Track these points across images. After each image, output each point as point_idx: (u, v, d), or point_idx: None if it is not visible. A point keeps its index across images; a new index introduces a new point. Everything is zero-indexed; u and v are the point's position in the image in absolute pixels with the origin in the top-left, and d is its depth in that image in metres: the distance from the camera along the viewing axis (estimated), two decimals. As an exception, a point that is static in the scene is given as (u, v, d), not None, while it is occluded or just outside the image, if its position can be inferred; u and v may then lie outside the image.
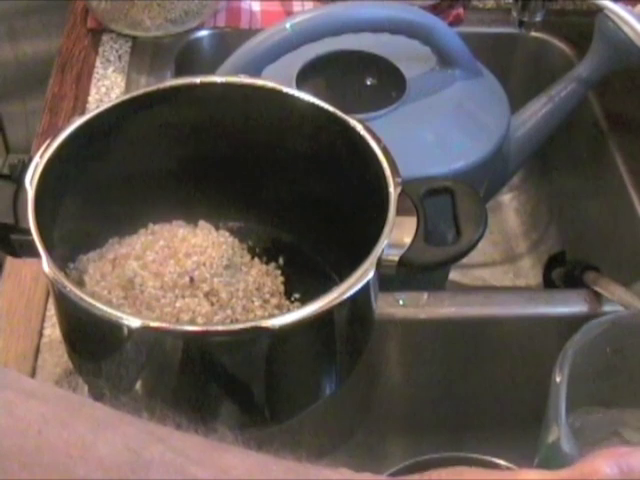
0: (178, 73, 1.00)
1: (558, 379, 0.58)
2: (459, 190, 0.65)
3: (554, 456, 0.56)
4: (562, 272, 0.86)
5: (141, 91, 0.70)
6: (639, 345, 0.63)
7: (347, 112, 0.69)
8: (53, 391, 0.50)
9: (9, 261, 0.78)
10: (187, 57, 1.03)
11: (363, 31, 0.81)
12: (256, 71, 0.79)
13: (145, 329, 0.56)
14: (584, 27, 0.93)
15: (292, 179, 0.73)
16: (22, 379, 0.51)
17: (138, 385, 0.63)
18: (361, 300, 0.62)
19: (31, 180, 0.62)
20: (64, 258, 0.66)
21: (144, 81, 0.98)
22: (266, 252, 0.73)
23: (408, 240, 0.61)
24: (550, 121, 0.91)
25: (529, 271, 1.04)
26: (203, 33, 1.05)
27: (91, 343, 0.63)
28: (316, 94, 0.70)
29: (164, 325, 0.58)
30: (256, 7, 1.08)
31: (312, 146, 0.71)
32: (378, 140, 0.66)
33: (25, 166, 0.63)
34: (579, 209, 1.02)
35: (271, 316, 0.66)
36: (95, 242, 0.70)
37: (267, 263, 0.72)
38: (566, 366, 0.58)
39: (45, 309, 0.75)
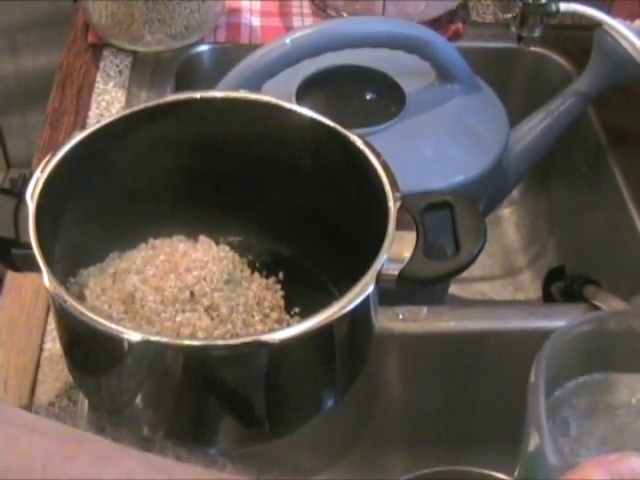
0: (178, 88, 1.00)
1: (532, 379, 0.57)
2: (458, 204, 0.65)
3: (537, 466, 0.55)
4: (562, 286, 0.86)
5: (141, 106, 0.71)
6: (618, 346, 0.62)
7: (347, 127, 0.69)
8: (54, 426, 0.51)
9: (10, 275, 0.78)
10: (187, 72, 1.03)
11: (363, 46, 0.82)
12: (256, 86, 0.79)
13: (145, 343, 0.57)
14: (583, 42, 0.94)
15: (292, 194, 0.73)
16: (24, 415, 0.51)
17: (138, 399, 0.63)
18: (361, 314, 0.62)
19: (32, 195, 0.62)
20: (65, 272, 0.66)
21: (144, 96, 0.98)
22: (266, 266, 0.73)
23: (408, 254, 0.62)
24: (549, 135, 0.92)
25: (529, 285, 1.04)
26: (203, 48, 1.05)
27: (91, 357, 0.63)
28: (316, 109, 0.70)
29: (164, 339, 0.58)
30: (256, 22, 1.08)
31: (312, 161, 0.71)
32: (378, 155, 0.67)
33: (26, 181, 0.63)
34: (578, 223, 1.02)
35: (271, 330, 0.66)
36: (96, 256, 0.70)
37: (267, 277, 0.72)
38: (542, 366, 0.57)
39: (46, 323, 0.75)
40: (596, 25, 0.89)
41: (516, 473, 0.60)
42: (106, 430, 0.67)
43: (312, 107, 0.71)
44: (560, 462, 0.53)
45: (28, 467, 0.45)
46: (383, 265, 0.60)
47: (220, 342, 0.61)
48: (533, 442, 0.55)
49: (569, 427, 0.60)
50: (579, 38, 1.03)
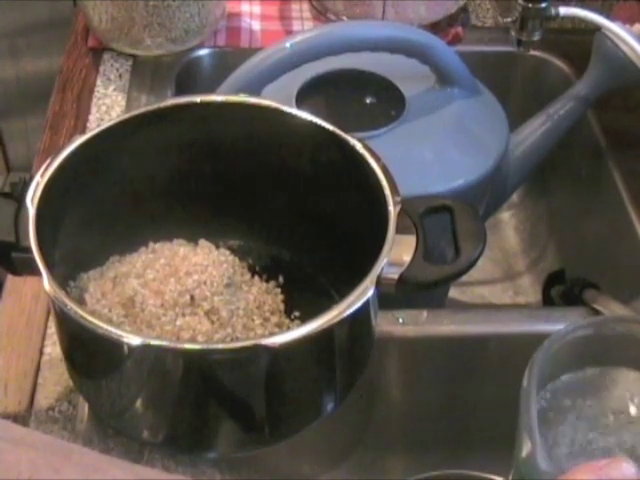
0: (178, 92, 1.00)
1: (525, 384, 0.57)
2: (458, 208, 0.65)
3: (529, 471, 0.55)
4: (561, 290, 0.86)
5: (142, 110, 0.71)
6: (615, 351, 0.62)
7: (346, 131, 0.69)
8: (41, 438, 0.50)
9: (10, 279, 0.78)
10: (187, 76, 1.03)
11: (362, 50, 0.82)
12: (256, 90, 0.80)
13: (145, 347, 0.57)
14: (582, 46, 0.94)
15: (292, 197, 0.73)
16: (10, 426, 0.51)
17: (138, 403, 0.63)
18: (361, 318, 0.62)
19: (32, 198, 0.62)
20: (65, 276, 0.67)
21: (144, 100, 0.98)
22: (266, 270, 0.73)
23: (407, 258, 0.62)
24: (549, 139, 0.92)
25: (528, 289, 1.04)
26: (203, 52, 1.05)
27: (92, 361, 0.63)
28: (315, 113, 0.71)
29: (164, 343, 0.58)
30: (256, 26, 1.09)
31: (312, 164, 0.71)
32: (377, 158, 0.67)
33: (26, 185, 0.63)
34: (578, 227, 1.02)
35: (271, 334, 0.66)
36: (96, 260, 0.70)
37: (267, 281, 0.72)
38: (535, 371, 0.57)
39: (46, 327, 0.75)
40: (596, 29, 0.89)
41: (510, 477, 0.60)
42: (94, 441, 0.67)
43: (312, 111, 0.71)
44: (552, 468, 0.53)
45: (14, 479, 0.45)
46: (383, 269, 0.60)
47: (220, 346, 0.61)
48: (525, 448, 0.55)
49: (552, 426, 0.60)
50: (579, 42, 1.03)
